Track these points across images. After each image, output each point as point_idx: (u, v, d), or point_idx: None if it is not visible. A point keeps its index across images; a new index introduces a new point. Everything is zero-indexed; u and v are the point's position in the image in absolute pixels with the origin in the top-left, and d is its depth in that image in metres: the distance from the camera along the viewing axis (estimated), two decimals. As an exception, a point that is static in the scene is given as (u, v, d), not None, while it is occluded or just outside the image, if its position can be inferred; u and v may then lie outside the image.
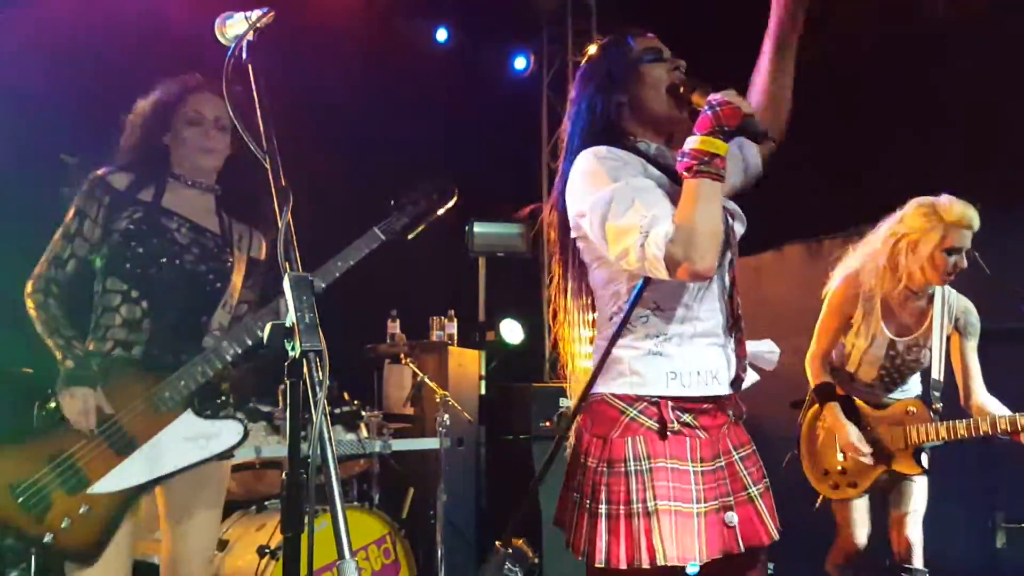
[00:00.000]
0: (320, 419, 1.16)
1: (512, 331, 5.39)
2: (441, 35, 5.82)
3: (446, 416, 3.70)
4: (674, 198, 1.59)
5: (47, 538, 1.93)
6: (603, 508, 1.63)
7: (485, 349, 5.08)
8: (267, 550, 2.90)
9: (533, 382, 5.00)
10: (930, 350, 2.95)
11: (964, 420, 2.82)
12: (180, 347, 2.10)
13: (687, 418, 1.68)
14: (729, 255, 1.76)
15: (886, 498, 3.04)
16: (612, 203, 1.58)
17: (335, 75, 4.62)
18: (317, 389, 1.20)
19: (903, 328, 2.96)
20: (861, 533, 3.04)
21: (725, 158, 1.56)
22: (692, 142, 1.56)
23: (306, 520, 1.18)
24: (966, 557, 4.41)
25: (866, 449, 2.87)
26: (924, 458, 2.89)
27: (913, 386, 3.09)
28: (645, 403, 1.67)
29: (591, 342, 1.82)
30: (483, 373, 4.96)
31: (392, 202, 2.26)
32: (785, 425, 3.36)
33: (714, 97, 1.58)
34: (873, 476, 2.94)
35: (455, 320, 4.73)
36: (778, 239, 5.14)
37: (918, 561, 2.95)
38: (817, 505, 3.08)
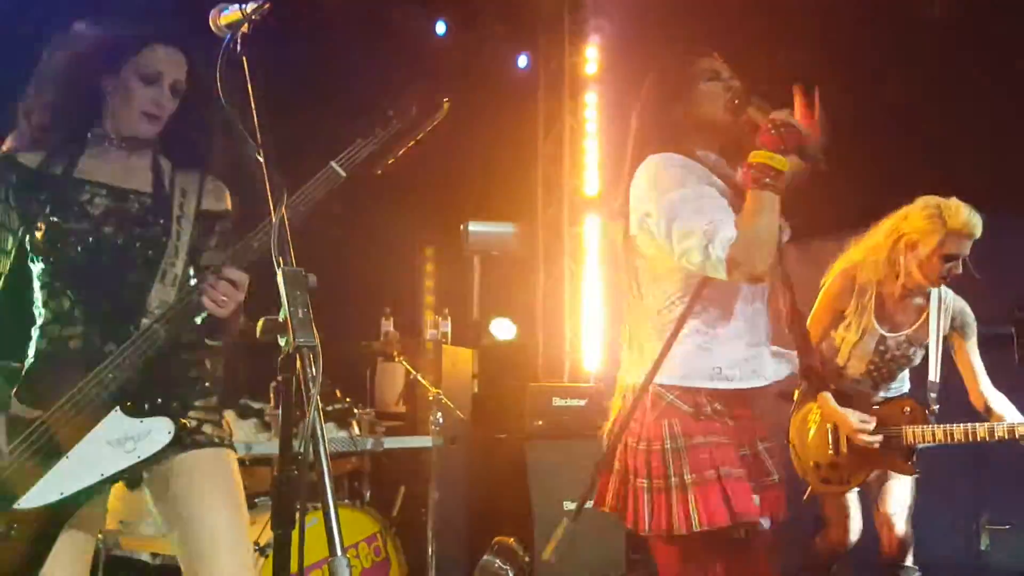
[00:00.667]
0: (313, 415, 1.15)
1: (503, 330, 5.39)
2: (440, 28, 5.78)
3: (439, 414, 3.70)
4: (733, 205, 1.79)
5: None
6: (644, 483, 1.84)
7: (478, 348, 5.07)
8: (257, 547, 2.89)
9: (525, 381, 5.00)
10: (924, 349, 2.95)
11: (961, 425, 2.82)
12: (121, 333, 1.80)
13: (719, 406, 1.86)
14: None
15: (869, 496, 3.05)
16: (679, 206, 1.77)
17: (329, 68, 4.60)
18: (311, 385, 1.19)
19: (896, 325, 2.96)
20: (854, 528, 3.05)
21: (785, 174, 1.75)
22: (759, 156, 1.75)
23: (297, 517, 1.17)
24: (952, 558, 4.44)
25: (872, 429, 2.81)
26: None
27: (903, 384, 3.10)
28: (683, 390, 1.85)
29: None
30: (476, 372, 4.95)
31: (368, 122, 1.81)
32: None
33: (778, 118, 1.77)
34: (865, 472, 2.94)
35: (449, 319, 4.72)
36: None
37: (909, 559, 2.96)
38: (806, 498, 3.09)
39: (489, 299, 5.42)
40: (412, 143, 1.83)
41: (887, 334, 2.95)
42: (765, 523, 1.89)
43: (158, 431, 1.79)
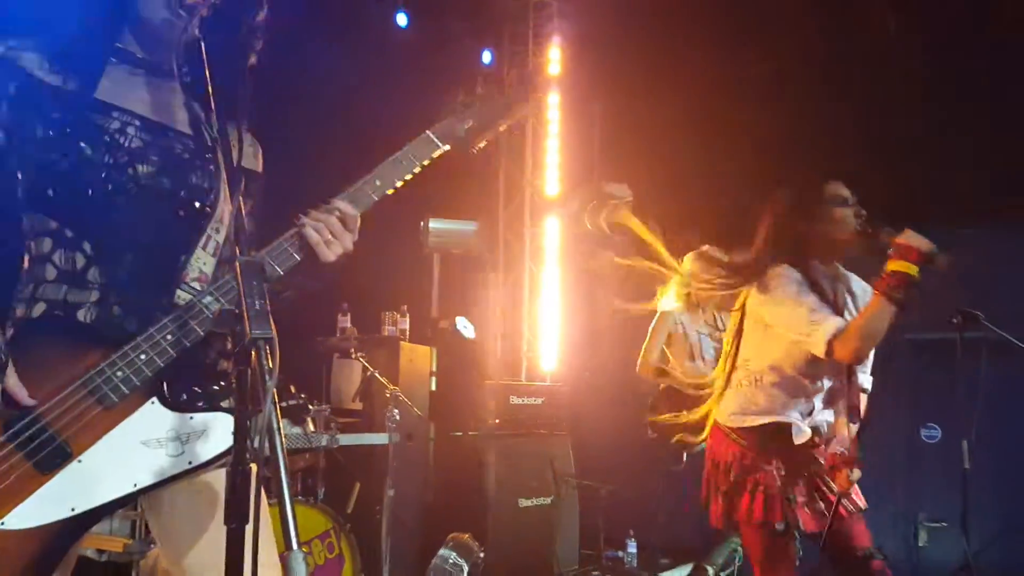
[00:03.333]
0: (269, 409, 1.14)
1: (465, 328, 5.39)
2: (401, 20, 5.73)
3: (396, 411, 3.68)
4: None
5: None
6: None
7: (437, 345, 5.06)
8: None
9: (483, 379, 5.01)
10: None
11: None
12: (148, 306, 1.42)
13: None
14: None
15: None
16: (795, 304, 2.34)
17: (287, 58, 4.54)
18: (267, 378, 1.17)
19: None
20: None
21: (917, 280, 2.19)
22: (898, 265, 2.20)
23: (251, 511, 1.15)
24: (891, 554, 4.58)
25: None
26: None
27: None
28: None
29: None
30: (434, 369, 4.95)
31: (459, 98, 1.68)
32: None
33: (904, 241, 2.22)
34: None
35: (407, 316, 4.71)
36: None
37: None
38: None
39: (448, 297, 5.41)
40: (503, 128, 1.74)
41: None
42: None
43: (216, 431, 1.42)
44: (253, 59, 1.52)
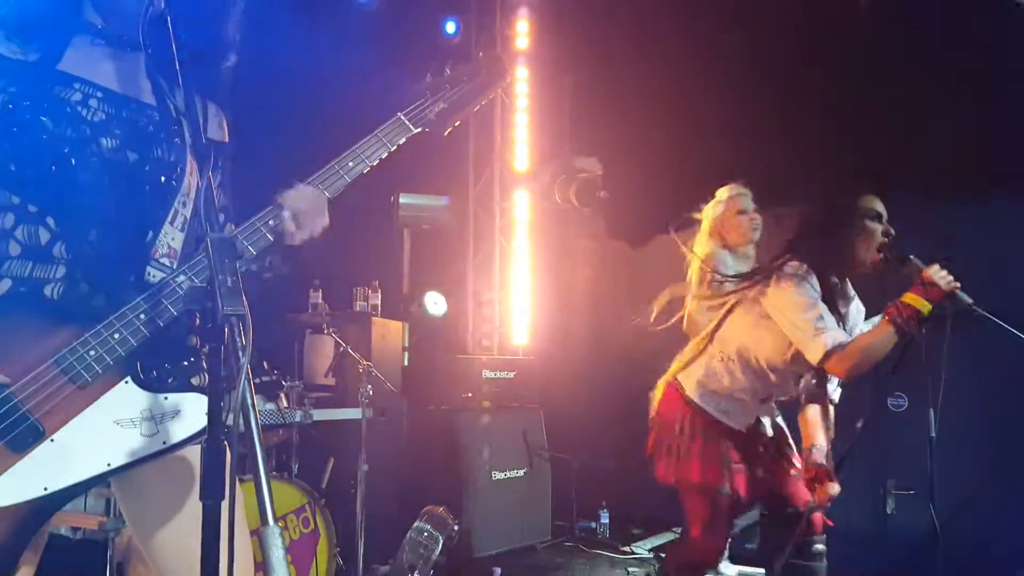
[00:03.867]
0: (243, 385, 1.14)
1: (436, 303, 5.39)
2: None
3: (369, 387, 3.69)
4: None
5: None
6: None
7: (409, 320, 5.06)
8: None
9: (456, 354, 5.03)
10: None
11: None
12: (117, 282, 1.41)
13: None
14: None
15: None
16: (808, 305, 2.38)
17: (251, 34, 4.44)
18: (240, 355, 1.17)
19: None
20: None
21: (927, 316, 2.29)
22: (911, 299, 2.28)
23: (227, 486, 1.16)
24: (859, 522, 4.71)
25: None
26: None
27: None
28: None
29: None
30: (406, 344, 4.95)
31: (428, 79, 1.65)
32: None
33: (929, 276, 2.28)
34: None
35: (379, 291, 4.69)
36: (693, 220, 5.36)
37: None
38: None
39: (419, 272, 5.40)
40: (477, 107, 1.71)
41: None
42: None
43: (190, 411, 1.41)
44: (233, 31, 1.50)
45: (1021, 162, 4.32)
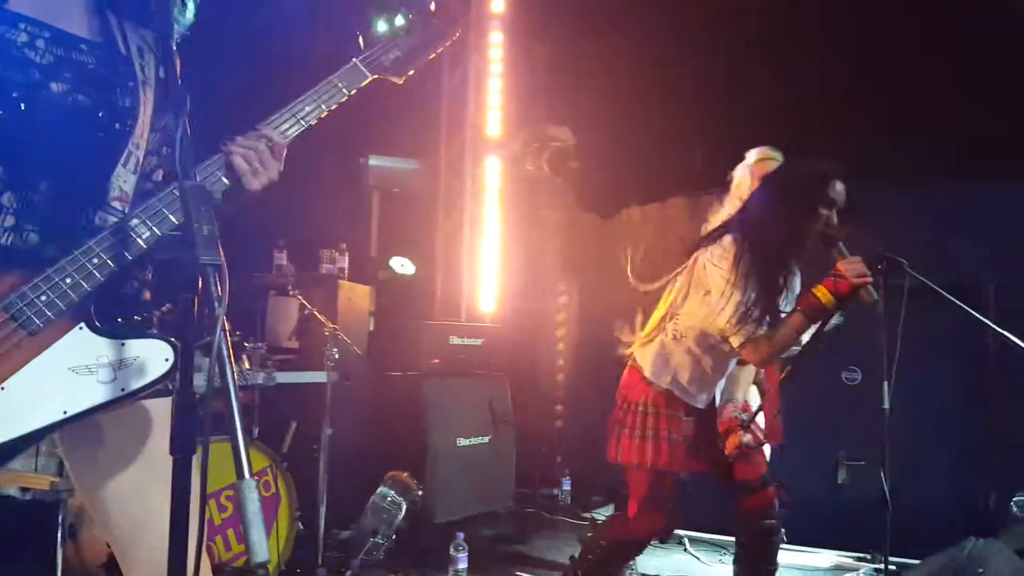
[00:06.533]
0: (219, 336, 1.10)
1: (403, 266, 5.33)
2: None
3: (334, 350, 3.63)
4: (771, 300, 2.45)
5: None
6: None
7: (376, 284, 5.00)
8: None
9: (423, 319, 4.99)
10: None
11: None
12: (68, 230, 1.37)
13: None
14: None
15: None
16: (740, 289, 2.42)
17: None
18: (216, 306, 1.13)
19: None
20: None
21: (830, 310, 2.37)
22: (818, 291, 2.35)
23: (199, 442, 1.12)
24: (812, 492, 4.83)
25: None
26: None
27: None
28: None
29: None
30: (373, 308, 4.89)
31: (383, 29, 1.63)
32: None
33: (843, 267, 2.33)
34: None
35: (346, 254, 4.62)
36: (664, 194, 5.41)
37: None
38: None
39: (388, 236, 5.33)
40: (431, 57, 1.67)
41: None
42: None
43: (151, 357, 1.35)
44: None
45: (949, 149, 4.43)
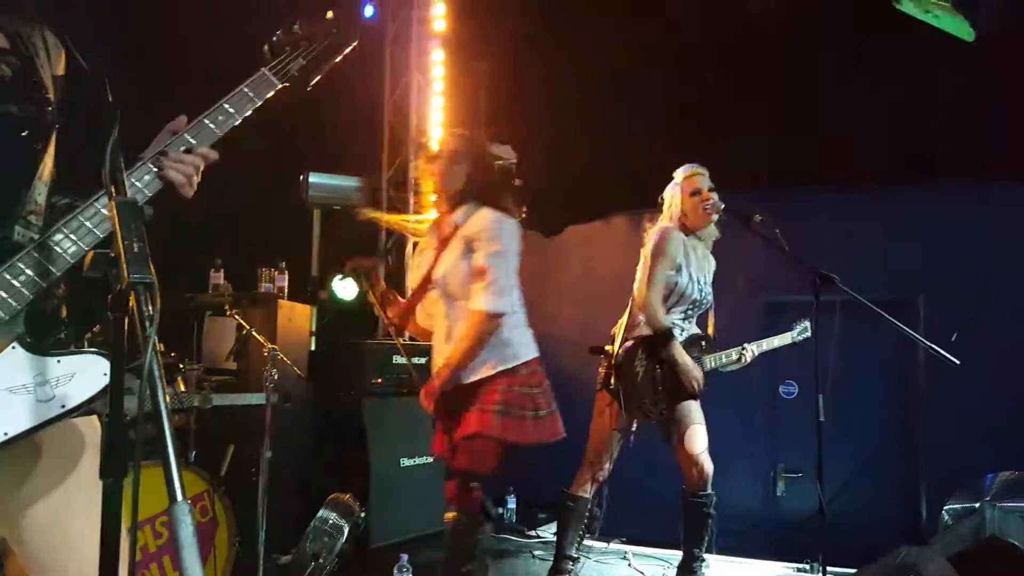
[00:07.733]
0: (150, 357, 1.07)
1: (345, 288, 5.26)
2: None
3: (274, 371, 3.55)
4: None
5: None
6: None
7: (317, 304, 4.92)
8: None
9: (365, 339, 4.93)
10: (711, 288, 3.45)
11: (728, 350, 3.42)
12: None
13: None
14: None
15: (674, 438, 3.38)
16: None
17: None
18: (147, 325, 1.10)
19: (703, 271, 3.41)
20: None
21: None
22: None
23: (132, 465, 1.08)
24: (751, 503, 4.93)
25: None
26: None
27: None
28: None
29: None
30: (314, 329, 4.81)
31: (279, 36, 1.63)
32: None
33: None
34: (673, 404, 3.31)
35: (286, 273, 4.54)
36: (606, 211, 5.50)
37: (709, 488, 3.37)
38: (634, 430, 3.33)
39: (329, 254, 5.26)
40: (336, 61, 1.69)
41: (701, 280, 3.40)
42: None
43: (87, 372, 1.31)
44: None
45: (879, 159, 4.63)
